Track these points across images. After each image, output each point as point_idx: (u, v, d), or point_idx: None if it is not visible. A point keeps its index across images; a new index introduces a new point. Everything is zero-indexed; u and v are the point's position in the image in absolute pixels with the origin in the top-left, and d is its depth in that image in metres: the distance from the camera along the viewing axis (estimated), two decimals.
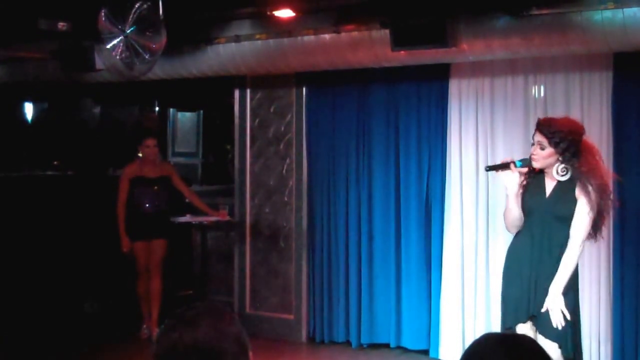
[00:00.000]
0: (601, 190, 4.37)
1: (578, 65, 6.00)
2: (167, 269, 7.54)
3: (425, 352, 6.67)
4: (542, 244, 4.45)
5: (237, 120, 7.58)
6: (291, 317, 7.28)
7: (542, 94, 6.18)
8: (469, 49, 5.64)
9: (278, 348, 6.98)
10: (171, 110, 10.91)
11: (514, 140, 6.21)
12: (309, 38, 6.19)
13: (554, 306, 4.32)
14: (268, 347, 6.75)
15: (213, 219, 7.60)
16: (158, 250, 7.33)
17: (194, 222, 7.90)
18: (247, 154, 7.52)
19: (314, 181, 7.20)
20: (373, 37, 5.92)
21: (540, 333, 4.42)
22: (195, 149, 11.27)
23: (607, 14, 5.01)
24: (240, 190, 7.58)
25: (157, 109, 10.77)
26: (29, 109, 10.32)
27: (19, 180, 9.23)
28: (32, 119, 10.32)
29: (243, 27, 6.53)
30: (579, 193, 4.37)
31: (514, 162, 4.49)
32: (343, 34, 6.05)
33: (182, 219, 7.79)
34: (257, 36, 6.42)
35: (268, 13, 6.20)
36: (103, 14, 5.47)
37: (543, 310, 4.35)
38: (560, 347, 4.34)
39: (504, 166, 4.51)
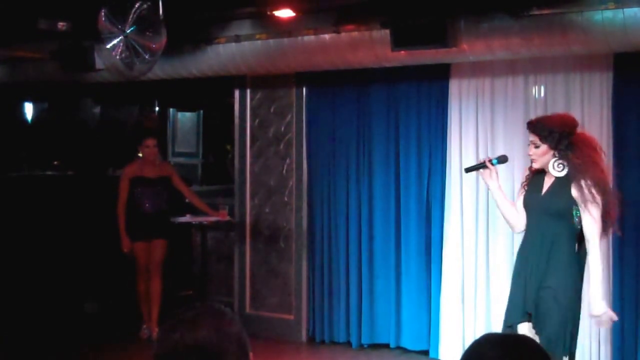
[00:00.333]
0: (598, 182, 4.36)
1: (578, 65, 5.99)
2: (167, 269, 7.54)
3: (425, 353, 6.67)
4: (535, 241, 4.52)
5: (237, 120, 7.57)
6: (291, 317, 7.28)
7: (542, 94, 6.18)
8: (469, 49, 5.63)
9: (278, 348, 6.97)
10: (171, 110, 10.91)
11: (514, 140, 6.20)
12: (309, 38, 6.19)
13: (597, 313, 4.37)
14: (268, 348, 6.75)
15: (213, 219, 7.60)
16: (158, 250, 7.33)
17: (194, 222, 7.90)
18: (247, 154, 7.51)
19: (314, 181, 7.20)
20: (373, 37, 5.92)
21: (536, 332, 4.43)
22: (195, 149, 11.27)
23: (608, 14, 5.01)
24: (240, 190, 7.58)
25: (157, 109, 10.77)
26: (29, 109, 10.32)
27: (19, 180, 9.23)
28: (32, 119, 10.32)
29: (243, 27, 6.53)
30: (574, 188, 4.38)
31: (490, 160, 4.67)
32: (343, 34, 6.04)
33: (182, 219, 7.79)
34: (257, 36, 6.42)
35: (268, 13, 6.20)
36: (103, 13, 5.47)
37: (593, 320, 4.41)
38: (554, 346, 4.34)
39: (482, 165, 4.68)
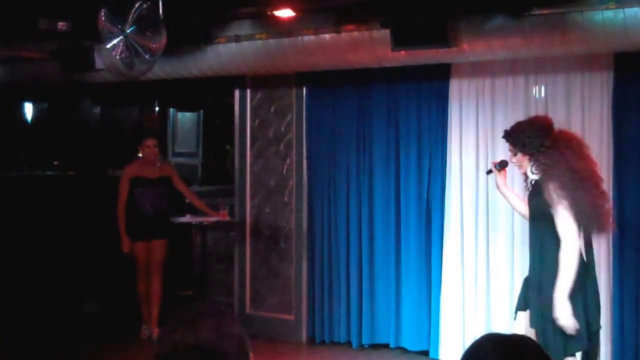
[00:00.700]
0: (566, 182, 4.34)
1: (579, 65, 5.99)
2: (167, 269, 7.53)
3: (426, 353, 6.66)
4: (530, 242, 4.65)
5: (237, 121, 7.57)
6: (291, 317, 7.28)
7: (542, 94, 6.17)
8: (470, 49, 5.63)
9: (278, 348, 6.97)
10: (171, 110, 10.91)
11: None
12: (309, 38, 6.19)
13: (560, 314, 4.32)
14: (268, 348, 6.74)
15: (213, 219, 7.60)
16: (158, 250, 7.33)
17: (194, 223, 7.90)
18: (247, 154, 7.51)
19: (314, 181, 7.19)
20: (373, 37, 5.91)
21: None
22: (195, 149, 11.27)
23: (608, 14, 5.01)
24: (240, 190, 7.57)
25: (157, 109, 10.77)
26: (29, 109, 10.32)
27: (19, 180, 9.22)
28: (32, 119, 10.32)
29: (243, 27, 6.52)
30: (544, 190, 4.42)
31: (494, 164, 4.96)
32: (343, 34, 6.04)
33: (182, 220, 7.79)
34: (258, 36, 6.41)
35: (268, 13, 6.20)
36: (103, 13, 5.47)
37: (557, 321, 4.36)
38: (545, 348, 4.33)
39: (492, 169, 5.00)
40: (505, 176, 4.95)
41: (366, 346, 6.94)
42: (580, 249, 4.39)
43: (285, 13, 6.15)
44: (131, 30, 5.47)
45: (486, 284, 6.42)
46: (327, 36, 6.12)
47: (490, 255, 6.39)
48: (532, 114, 6.09)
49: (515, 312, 4.70)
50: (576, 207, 4.32)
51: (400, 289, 6.78)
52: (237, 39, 6.50)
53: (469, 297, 6.48)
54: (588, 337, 4.42)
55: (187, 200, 7.71)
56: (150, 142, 7.28)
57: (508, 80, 6.30)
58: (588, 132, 5.95)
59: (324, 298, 7.14)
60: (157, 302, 7.30)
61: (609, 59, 5.81)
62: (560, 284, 4.32)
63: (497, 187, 4.99)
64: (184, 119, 11.18)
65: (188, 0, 6.31)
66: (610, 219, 4.58)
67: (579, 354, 4.49)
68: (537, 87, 6.20)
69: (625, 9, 4.95)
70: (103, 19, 5.48)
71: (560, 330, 4.36)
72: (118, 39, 5.51)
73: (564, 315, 4.32)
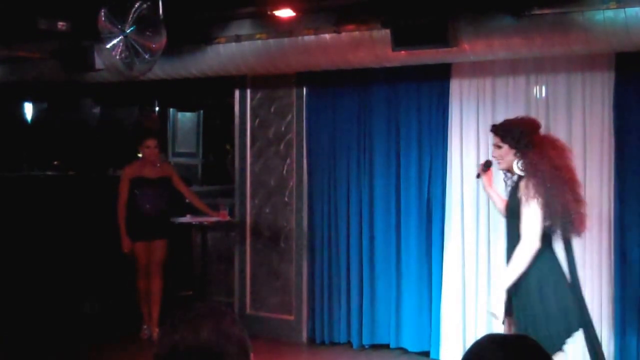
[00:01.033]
0: (544, 180, 4.40)
1: (580, 65, 5.98)
2: (168, 270, 7.53)
3: (426, 354, 6.65)
4: (507, 240, 4.74)
5: (237, 120, 7.56)
6: (291, 317, 7.27)
7: (543, 94, 6.17)
8: (470, 49, 5.62)
9: (278, 349, 6.96)
10: (171, 110, 10.92)
11: None
12: (310, 38, 6.18)
13: (493, 304, 4.50)
14: (268, 348, 6.74)
15: (213, 219, 7.59)
16: (158, 250, 7.33)
17: (194, 223, 7.89)
18: (247, 154, 7.50)
19: (315, 181, 7.18)
20: (374, 37, 5.90)
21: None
22: (195, 149, 11.28)
23: (609, 13, 5.00)
24: (240, 190, 7.57)
25: (157, 109, 10.77)
26: (29, 109, 10.32)
27: (19, 180, 9.22)
28: (32, 119, 10.32)
29: (243, 27, 6.52)
30: (520, 186, 4.51)
31: (482, 166, 5.04)
32: (344, 34, 6.03)
33: (183, 220, 7.79)
34: (258, 36, 6.41)
35: (268, 13, 6.19)
36: (103, 13, 5.47)
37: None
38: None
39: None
40: (490, 177, 5.00)
41: (366, 346, 6.94)
42: (539, 247, 4.44)
43: (285, 13, 6.15)
44: (131, 30, 5.47)
45: (487, 285, 6.41)
46: (327, 36, 6.11)
47: (491, 256, 6.38)
48: (533, 113, 6.10)
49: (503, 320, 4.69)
50: (548, 207, 4.39)
51: (400, 289, 6.78)
52: (237, 39, 6.50)
53: (469, 297, 6.47)
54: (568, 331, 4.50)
55: (187, 201, 7.70)
56: (151, 142, 7.27)
57: (509, 80, 6.29)
58: (589, 132, 5.95)
59: (324, 298, 7.14)
60: (157, 302, 7.30)
61: (610, 58, 5.81)
62: (505, 277, 4.49)
63: (483, 187, 5.10)
64: (184, 119, 11.19)
65: (188, 0, 6.31)
66: (584, 223, 4.60)
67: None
68: (537, 87, 6.19)
69: (626, 9, 4.94)
70: (103, 19, 5.47)
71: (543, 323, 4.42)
72: (118, 39, 5.51)
73: (496, 306, 4.47)
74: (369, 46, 5.98)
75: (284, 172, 7.30)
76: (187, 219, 7.82)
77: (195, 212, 7.70)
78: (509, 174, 4.72)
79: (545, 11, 5.23)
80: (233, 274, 7.67)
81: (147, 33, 5.47)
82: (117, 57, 5.59)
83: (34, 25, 6.40)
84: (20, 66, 7.96)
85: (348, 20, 6.01)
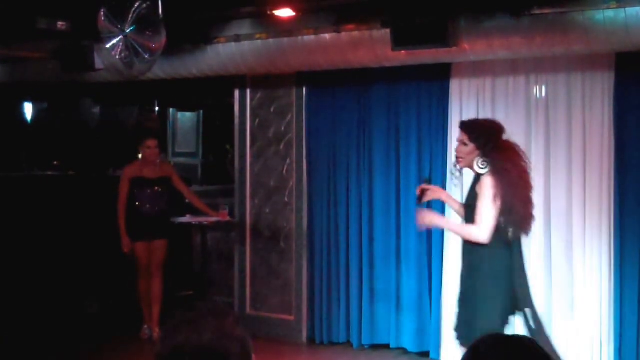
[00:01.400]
0: (502, 181, 4.55)
1: (580, 65, 5.98)
2: (168, 270, 7.53)
3: (426, 354, 6.65)
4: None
5: (237, 120, 7.56)
6: (291, 317, 7.27)
7: (543, 94, 6.16)
8: (470, 48, 5.62)
9: (278, 349, 6.96)
10: (171, 110, 10.92)
11: (515, 140, 6.15)
12: (310, 38, 6.18)
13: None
14: (268, 348, 6.73)
15: (213, 219, 7.59)
16: (159, 250, 7.32)
17: (194, 223, 7.89)
18: (247, 154, 7.50)
19: (315, 181, 7.18)
20: (374, 36, 5.90)
21: None
22: (195, 149, 11.27)
23: (609, 13, 5.00)
24: (240, 190, 7.57)
25: (157, 109, 10.77)
26: (29, 109, 10.31)
27: (19, 180, 9.21)
28: (32, 119, 10.32)
29: (243, 27, 6.51)
30: (480, 182, 4.65)
31: (422, 185, 5.10)
32: (343, 34, 6.03)
33: (183, 220, 7.79)
34: (258, 36, 6.41)
35: (268, 12, 6.19)
36: (102, 13, 5.46)
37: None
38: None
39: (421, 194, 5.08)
40: (431, 196, 5.09)
41: (366, 346, 6.94)
42: (486, 240, 4.59)
43: (285, 13, 6.14)
44: (131, 30, 5.46)
45: None
46: (327, 36, 6.11)
47: None
48: (533, 113, 6.12)
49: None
50: (506, 205, 4.54)
51: (400, 289, 6.77)
52: (237, 38, 6.49)
53: None
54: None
55: (187, 201, 7.70)
56: (151, 142, 7.27)
57: (509, 80, 6.29)
58: (589, 131, 5.95)
59: (324, 298, 7.13)
60: (158, 302, 7.30)
61: (610, 58, 5.80)
62: (445, 221, 5.22)
63: (442, 199, 5.28)
64: (184, 119, 11.18)
65: (188, 0, 6.31)
66: (532, 224, 4.77)
67: None
68: (537, 87, 6.19)
69: (626, 9, 4.94)
70: (103, 18, 5.47)
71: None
72: (118, 39, 5.51)
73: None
74: (369, 46, 5.98)
75: (284, 172, 7.30)
76: (187, 219, 7.82)
77: (195, 212, 7.70)
78: (457, 168, 4.90)
79: (545, 11, 5.22)
80: (233, 274, 7.66)
81: (147, 33, 5.47)
82: (117, 57, 5.58)
83: (34, 25, 6.39)
84: (20, 66, 7.96)
85: (348, 20, 6.01)
